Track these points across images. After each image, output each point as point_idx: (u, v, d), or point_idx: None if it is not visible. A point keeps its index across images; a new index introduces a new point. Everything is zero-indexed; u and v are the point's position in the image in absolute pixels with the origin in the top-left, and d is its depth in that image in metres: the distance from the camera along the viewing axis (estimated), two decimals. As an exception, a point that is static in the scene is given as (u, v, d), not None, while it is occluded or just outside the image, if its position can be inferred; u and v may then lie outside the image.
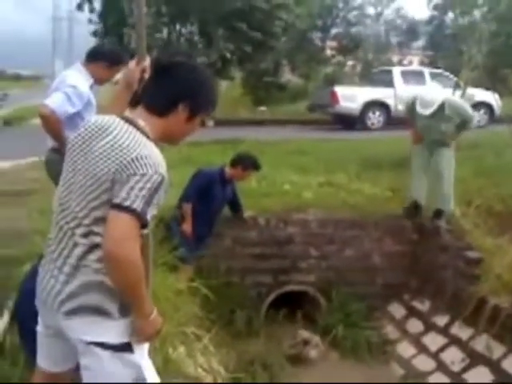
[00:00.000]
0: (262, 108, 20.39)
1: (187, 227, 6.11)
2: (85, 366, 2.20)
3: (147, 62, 2.63)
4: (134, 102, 2.39)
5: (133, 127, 2.17)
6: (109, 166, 2.07)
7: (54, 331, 2.27)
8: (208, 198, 6.18)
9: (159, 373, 3.42)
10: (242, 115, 19.33)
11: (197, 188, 6.15)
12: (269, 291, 7.31)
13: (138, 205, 2.00)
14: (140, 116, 2.23)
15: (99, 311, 2.12)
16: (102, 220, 2.08)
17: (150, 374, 2.26)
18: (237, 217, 7.04)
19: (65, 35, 25.62)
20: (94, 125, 2.21)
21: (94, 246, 2.11)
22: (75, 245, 2.14)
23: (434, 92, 6.83)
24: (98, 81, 4.69)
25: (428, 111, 6.69)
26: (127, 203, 2.00)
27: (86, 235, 2.12)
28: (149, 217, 2.06)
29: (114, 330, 2.15)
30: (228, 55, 17.83)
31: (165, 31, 18.51)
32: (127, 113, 2.31)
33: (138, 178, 2.02)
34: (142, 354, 2.24)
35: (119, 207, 2.01)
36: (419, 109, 6.76)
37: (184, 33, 18.60)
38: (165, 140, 2.31)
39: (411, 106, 7.05)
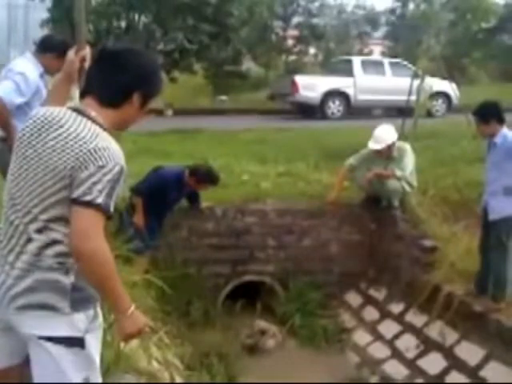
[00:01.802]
0: (222, 97, 20.27)
1: (138, 219, 6.06)
2: (34, 360, 2.16)
3: (86, 50, 2.58)
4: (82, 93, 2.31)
5: (85, 118, 2.11)
6: (66, 160, 2.02)
7: (3, 326, 2.21)
8: (161, 197, 6.13)
9: (110, 368, 3.40)
10: (202, 104, 19.21)
11: (149, 186, 6.09)
12: (226, 282, 7.30)
13: (100, 198, 1.98)
14: (90, 107, 2.16)
15: (50, 306, 2.08)
16: (60, 219, 2.05)
17: (97, 373, 2.23)
18: (194, 207, 6.99)
19: (21, 24, 24.93)
20: (44, 117, 2.15)
21: (51, 242, 2.07)
22: (29, 240, 2.08)
23: (387, 131, 7.04)
24: (49, 71, 4.62)
25: (378, 146, 6.92)
26: (90, 198, 1.98)
27: (41, 231, 2.07)
28: (111, 208, 2.04)
29: (64, 325, 2.10)
30: (187, 45, 17.65)
31: (123, 20, 18.27)
32: (77, 104, 2.24)
33: (98, 171, 1.99)
34: (93, 350, 2.20)
35: (82, 203, 1.98)
36: (371, 144, 6.99)
37: (142, 22, 18.35)
38: (116, 128, 2.26)
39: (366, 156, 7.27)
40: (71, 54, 2.58)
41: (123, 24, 18.40)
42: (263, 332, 6.71)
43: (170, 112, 16.57)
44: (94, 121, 2.11)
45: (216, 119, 15.31)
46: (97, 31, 17.33)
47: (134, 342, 4.21)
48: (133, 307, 2.18)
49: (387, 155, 7.03)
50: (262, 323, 6.82)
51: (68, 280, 2.09)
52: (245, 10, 19.00)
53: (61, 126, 2.08)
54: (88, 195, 1.98)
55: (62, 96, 2.50)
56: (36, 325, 2.09)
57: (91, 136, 2.05)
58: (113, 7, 17.45)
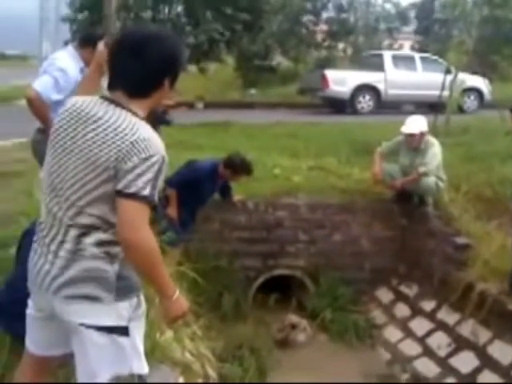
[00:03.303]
0: (252, 91, 20.27)
1: (172, 211, 6.09)
2: (78, 349, 2.19)
3: None
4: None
5: (121, 108, 2.11)
6: (108, 153, 2.03)
7: (48, 314, 2.24)
8: (195, 190, 6.13)
9: (146, 357, 3.44)
10: (232, 98, 19.23)
11: (183, 178, 6.09)
12: (257, 275, 7.32)
13: (146, 190, 2.01)
14: (123, 99, 2.15)
15: (95, 296, 2.11)
16: (105, 211, 2.08)
17: (141, 360, 2.26)
18: (226, 200, 7.02)
19: (52, 15, 25.15)
20: (80, 108, 2.15)
21: (95, 233, 2.11)
22: (73, 231, 2.11)
23: (420, 120, 7.01)
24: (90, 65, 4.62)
25: (411, 130, 6.88)
26: (135, 190, 2.00)
27: (86, 223, 2.10)
28: (155, 198, 2.07)
29: (109, 314, 2.14)
30: (217, 36, 17.64)
31: (150, 13, 18.31)
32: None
33: (141, 162, 2.01)
34: (137, 338, 2.23)
35: (127, 195, 2.01)
36: (404, 128, 6.96)
37: (170, 14, 18.38)
38: (147, 112, 2.26)
39: (394, 147, 7.28)
40: (101, 45, 2.63)
41: (150, 16, 18.45)
42: (294, 326, 6.72)
43: (200, 105, 16.64)
44: (130, 111, 2.12)
45: (246, 113, 15.29)
46: (125, 23, 17.42)
47: (169, 334, 4.27)
48: (177, 292, 2.23)
49: (417, 145, 6.96)
50: (292, 317, 6.83)
51: (113, 269, 2.13)
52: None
53: (100, 118, 2.09)
54: (133, 187, 2.00)
55: (93, 87, 2.56)
56: (81, 313, 2.12)
57: (131, 127, 2.06)
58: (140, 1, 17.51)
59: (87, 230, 2.10)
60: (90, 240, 2.10)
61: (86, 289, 2.11)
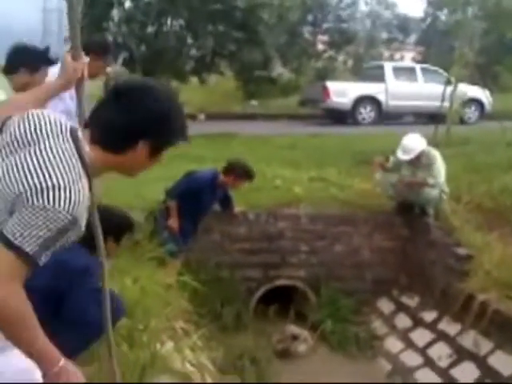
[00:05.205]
0: (253, 102, 20.32)
1: (173, 223, 6.10)
2: None
3: (85, 58, 2.36)
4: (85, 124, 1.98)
5: (74, 149, 1.80)
6: (15, 186, 1.70)
7: None
8: (195, 200, 6.15)
9: (146, 368, 3.45)
10: (234, 109, 19.28)
11: (184, 189, 6.11)
12: (258, 286, 7.33)
13: (31, 247, 1.66)
14: (87, 140, 1.87)
15: None
16: None
17: None
18: (227, 212, 7.03)
19: (55, 27, 25.23)
20: (43, 122, 1.85)
21: None
22: None
23: (416, 141, 6.94)
24: (89, 74, 4.61)
25: (407, 157, 6.87)
26: (20, 243, 1.65)
27: None
28: (43, 259, 1.71)
29: None
30: (217, 49, 17.73)
31: (152, 26, 18.37)
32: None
33: (41, 213, 1.65)
34: None
35: (9, 244, 1.66)
36: (400, 154, 6.93)
37: (173, 27, 18.45)
38: (121, 173, 1.99)
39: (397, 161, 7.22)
40: (69, 58, 2.25)
41: (154, 29, 18.52)
42: (295, 337, 6.71)
43: (202, 116, 16.69)
44: (84, 161, 1.79)
45: (247, 124, 15.32)
46: (129, 37, 17.49)
47: (169, 345, 4.28)
48: (62, 362, 1.85)
49: (416, 161, 6.96)
50: (293, 328, 6.82)
51: None
52: (275, 16, 18.91)
53: (37, 144, 1.78)
54: (18, 239, 1.66)
55: (40, 102, 2.22)
56: None
57: (57, 170, 1.71)
58: (145, 12, 17.55)
59: None
60: None
61: None
